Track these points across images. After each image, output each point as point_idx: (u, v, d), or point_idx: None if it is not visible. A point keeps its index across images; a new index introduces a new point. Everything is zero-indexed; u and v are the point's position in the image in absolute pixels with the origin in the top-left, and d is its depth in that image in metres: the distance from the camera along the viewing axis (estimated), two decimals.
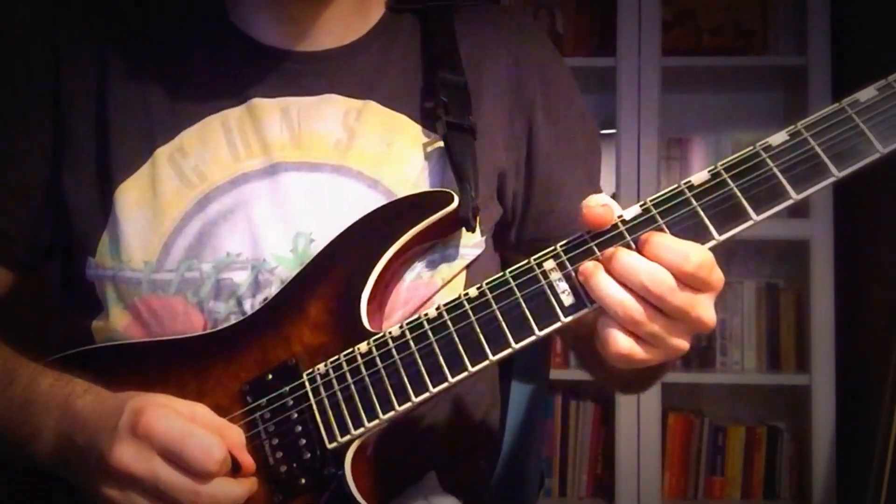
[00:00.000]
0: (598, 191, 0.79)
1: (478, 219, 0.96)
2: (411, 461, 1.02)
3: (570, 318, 0.78)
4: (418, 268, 0.98)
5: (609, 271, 0.75)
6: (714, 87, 2.73)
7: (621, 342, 0.75)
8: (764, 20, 2.65)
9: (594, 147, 1.14)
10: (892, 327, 2.17)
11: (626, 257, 0.74)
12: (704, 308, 0.75)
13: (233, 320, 0.95)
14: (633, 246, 0.76)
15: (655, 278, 0.73)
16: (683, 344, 0.77)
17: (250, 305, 0.96)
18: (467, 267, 1.00)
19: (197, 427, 0.80)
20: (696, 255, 0.73)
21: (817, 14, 2.42)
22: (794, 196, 0.75)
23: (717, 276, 0.75)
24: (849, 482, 2.37)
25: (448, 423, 1.04)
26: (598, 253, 0.77)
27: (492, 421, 1.14)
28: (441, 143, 1.00)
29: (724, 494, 2.60)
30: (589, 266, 0.76)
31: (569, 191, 1.06)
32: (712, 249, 0.76)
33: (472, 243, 1.01)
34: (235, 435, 0.83)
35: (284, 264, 0.96)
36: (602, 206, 0.77)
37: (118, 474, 0.78)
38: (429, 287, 0.98)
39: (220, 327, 0.95)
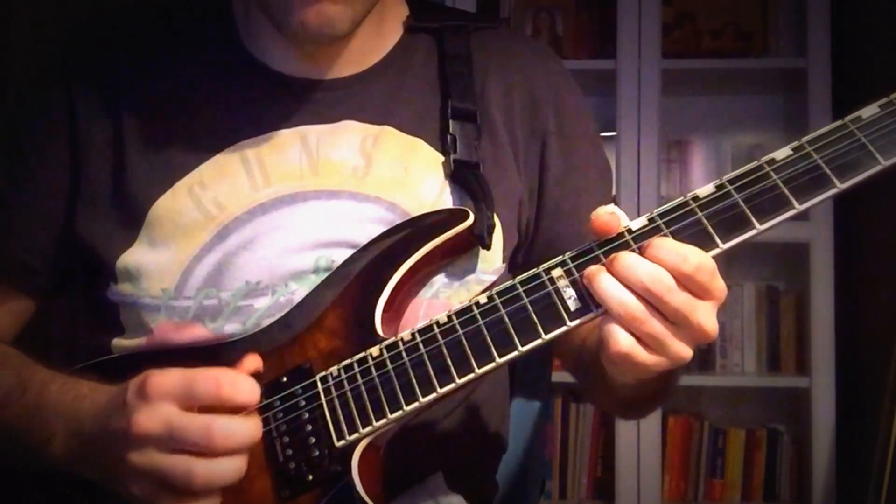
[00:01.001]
0: None
1: (494, 240, 0.98)
2: (421, 464, 1.03)
3: (575, 322, 0.80)
4: (436, 287, 1.00)
5: (611, 272, 0.76)
6: (714, 90, 2.73)
7: (622, 340, 0.76)
8: (764, 22, 2.65)
9: (605, 176, 1.15)
10: (891, 330, 2.17)
11: (627, 258, 0.76)
12: (705, 315, 0.76)
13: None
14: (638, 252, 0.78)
15: (654, 278, 0.74)
16: (685, 350, 0.77)
17: (266, 325, 0.96)
18: (485, 291, 1.01)
19: (199, 371, 0.80)
20: (695, 257, 0.75)
21: (817, 16, 2.42)
22: (797, 206, 0.78)
23: (719, 285, 0.76)
24: (849, 485, 2.36)
25: (462, 431, 1.06)
26: (605, 260, 0.79)
27: (504, 431, 1.16)
28: (450, 170, 1.02)
29: (725, 497, 2.60)
30: (593, 268, 0.78)
31: (579, 218, 1.06)
32: (715, 257, 0.77)
33: (492, 269, 1.03)
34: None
35: (306, 285, 0.98)
36: (609, 213, 0.80)
37: (137, 439, 0.79)
38: (445, 308, 0.98)
39: (240, 336, 0.96)
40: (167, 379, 0.79)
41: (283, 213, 0.99)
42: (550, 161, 1.08)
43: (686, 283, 0.75)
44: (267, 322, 0.96)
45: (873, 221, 2.41)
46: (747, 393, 2.72)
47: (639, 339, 0.76)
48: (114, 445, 0.81)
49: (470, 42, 1.09)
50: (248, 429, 0.79)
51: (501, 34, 1.15)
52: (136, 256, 0.99)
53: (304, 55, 1.03)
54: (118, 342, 1.02)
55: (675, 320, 0.76)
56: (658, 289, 0.74)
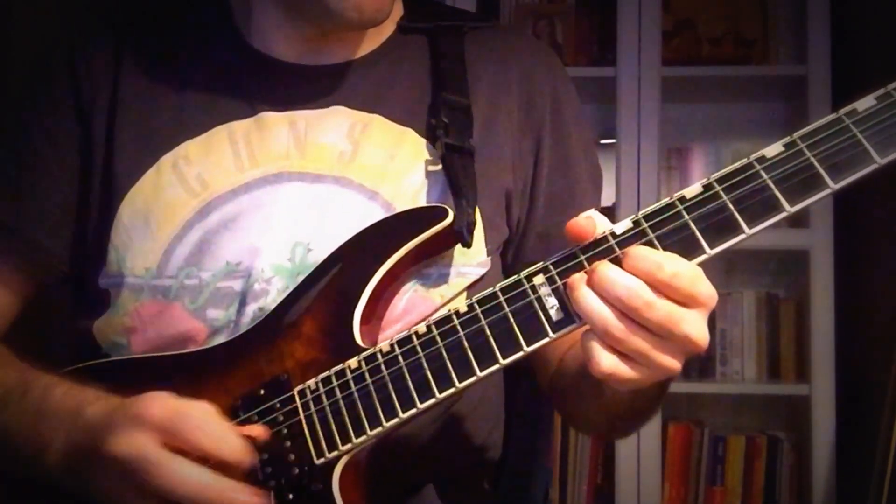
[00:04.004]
0: None
1: (474, 235, 0.96)
2: (408, 477, 1.01)
3: (558, 334, 0.77)
4: (417, 283, 0.98)
5: (590, 285, 0.74)
6: (714, 97, 2.73)
7: (604, 360, 0.74)
8: (764, 30, 2.65)
9: (597, 175, 1.14)
10: (892, 337, 2.17)
11: (605, 271, 0.73)
12: (692, 325, 0.73)
13: (231, 328, 0.96)
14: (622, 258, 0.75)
15: (632, 292, 0.72)
16: (673, 363, 0.75)
17: (245, 314, 0.96)
18: (470, 286, 1.00)
19: (192, 404, 0.79)
20: (671, 265, 0.72)
21: (817, 24, 2.42)
22: (788, 209, 0.74)
23: (704, 291, 0.73)
24: (849, 492, 2.36)
25: (448, 443, 1.04)
26: (588, 267, 0.76)
27: (494, 442, 1.13)
28: (440, 153, 1.00)
29: None
30: (574, 279, 0.75)
31: (571, 214, 1.05)
32: (705, 263, 0.74)
33: (475, 262, 1.01)
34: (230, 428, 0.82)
35: (281, 274, 0.96)
36: (586, 218, 0.78)
37: (114, 463, 0.78)
38: (426, 303, 0.98)
39: (218, 342, 0.95)
40: (157, 409, 0.78)
41: (265, 191, 0.99)
42: (544, 157, 1.08)
43: (665, 291, 0.72)
44: (244, 312, 0.95)
45: (873, 228, 2.41)
46: (747, 400, 2.72)
47: (623, 354, 0.74)
48: (95, 464, 0.80)
49: (463, 40, 1.09)
50: (231, 492, 0.78)
51: (498, 32, 1.15)
52: (121, 236, 0.99)
53: (300, 40, 1.04)
54: (99, 325, 1.01)
55: (660, 333, 0.73)
56: (636, 304, 0.72)
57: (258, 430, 0.84)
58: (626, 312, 0.72)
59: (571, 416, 1.07)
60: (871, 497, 2.11)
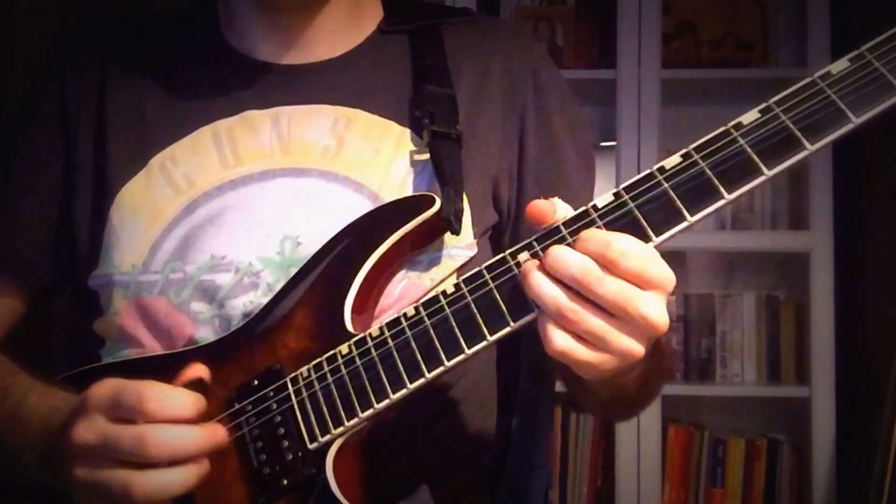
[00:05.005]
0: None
1: (462, 221, 0.97)
2: (401, 471, 1.01)
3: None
4: (409, 271, 0.99)
5: (542, 269, 0.74)
6: (714, 100, 2.72)
7: (556, 338, 0.74)
8: (764, 32, 2.65)
9: (586, 155, 1.14)
10: (892, 339, 2.17)
11: (556, 252, 0.74)
12: (649, 306, 0.73)
13: (216, 322, 0.97)
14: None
15: (583, 269, 0.72)
16: (634, 346, 0.74)
17: (233, 307, 0.97)
18: (459, 268, 1.01)
19: (130, 382, 0.79)
20: (620, 243, 0.72)
21: (817, 26, 2.42)
22: (767, 172, 0.74)
23: (658, 272, 0.73)
24: (849, 494, 2.36)
25: (443, 430, 1.04)
26: (571, 240, 0.77)
27: (489, 427, 1.13)
28: (427, 141, 1.01)
29: None
30: (527, 265, 0.76)
31: (559, 196, 1.06)
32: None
33: (462, 244, 1.01)
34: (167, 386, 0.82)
35: (271, 267, 0.97)
36: (547, 202, 0.79)
37: (76, 452, 0.78)
38: (418, 289, 0.99)
39: (203, 336, 0.97)
40: (100, 390, 0.79)
41: (251, 188, 1.01)
42: (529, 139, 1.08)
43: (615, 270, 0.72)
44: (230, 305, 0.97)
45: (873, 231, 2.41)
46: (747, 402, 2.72)
47: (579, 337, 0.74)
48: (63, 459, 0.80)
49: (442, 35, 1.10)
50: (187, 436, 0.77)
51: (478, 23, 1.16)
52: (110, 237, 1.01)
53: (279, 38, 1.07)
54: (98, 324, 1.03)
55: (615, 312, 0.73)
56: (587, 279, 0.72)
57: (198, 368, 0.84)
58: (580, 289, 0.73)
59: (577, 400, 1.08)
60: (871, 499, 2.11)
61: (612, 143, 2.49)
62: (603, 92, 2.53)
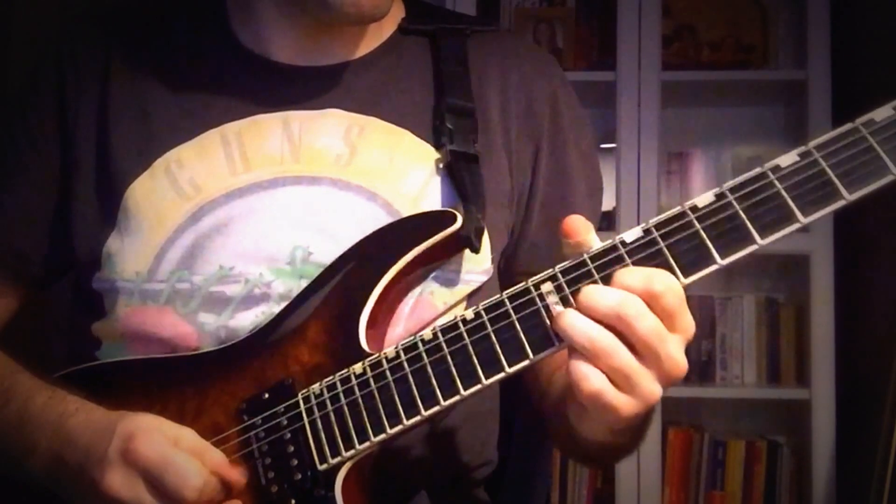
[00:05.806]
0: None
1: (483, 240, 0.95)
2: (403, 484, 1.00)
3: (566, 343, 0.75)
4: (422, 288, 0.97)
5: (578, 308, 0.72)
6: (714, 102, 2.73)
7: (593, 377, 0.71)
8: (764, 34, 2.65)
9: (596, 191, 1.13)
10: (891, 341, 2.17)
11: (592, 289, 0.72)
12: (675, 348, 0.72)
13: (222, 334, 0.96)
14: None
15: (624, 303, 0.70)
16: (657, 389, 0.73)
17: (243, 319, 0.95)
18: (472, 293, 0.99)
19: (178, 453, 0.80)
20: (665, 279, 0.72)
21: (817, 28, 2.42)
22: (802, 220, 0.72)
23: (688, 316, 0.73)
24: (849, 496, 2.36)
25: (445, 445, 1.03)
26: (597, 276, 0.75)
27: (492, 442, 1.11)
28: (444, 161, 0.99)
29: None
30: (561, 311, 0.74)
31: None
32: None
33: (480, 269, 1.00)
34: (217, 457, 0.83)
35: (282, 277, 0.96)
36: (585, 222, 0.77)
37: (109, 499, 0.80)
38: (429, 307, 0.97)
39: (209, 348, 0.95)
40: (146, 453, 0.80)
41: (260, 197, 0.98)
42: (541, 166, 1.06)
43: (655, 305, 0.71)
44: (239, 317, 0.95)
45: (873, 233, 2.41)
46: (747, 405, 2.72)
47: (608, 377, 0.72)
48: (86, 485, 0.82)
49: (466, 44, 1.08)
50: None
51: (500, 37, 1.14)
52: (114, 240, 0.99)
53: (294, 41, 1.03)
54: (97, 326, 1.02)
55: (645, 351, 0.71)
56: (626, 311, 0.70)
57: (236, 475, 0.84)
58: (616, 324, 0.71)
59: (554, 441, 1.05)
60: (871, 502, 2.11)
61: (612, 146, 2.49)
62: (603, 94, 2.53)
